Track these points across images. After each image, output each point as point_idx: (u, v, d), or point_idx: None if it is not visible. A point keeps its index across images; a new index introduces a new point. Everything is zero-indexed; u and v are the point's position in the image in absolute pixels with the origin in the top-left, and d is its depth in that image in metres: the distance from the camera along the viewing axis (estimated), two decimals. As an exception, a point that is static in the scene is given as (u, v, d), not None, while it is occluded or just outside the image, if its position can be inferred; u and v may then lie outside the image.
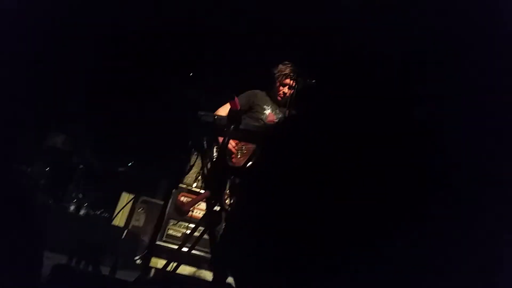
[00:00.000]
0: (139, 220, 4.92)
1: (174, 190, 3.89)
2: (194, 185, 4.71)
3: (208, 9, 4.02)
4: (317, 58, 3.65)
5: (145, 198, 4.98)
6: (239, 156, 3.34)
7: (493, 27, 2.92)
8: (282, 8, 3.89)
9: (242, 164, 2.90)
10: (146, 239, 4.72)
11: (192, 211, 4.12)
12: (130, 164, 5.20)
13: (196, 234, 2.91)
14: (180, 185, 4.16)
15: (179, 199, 4.05)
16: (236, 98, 2.71)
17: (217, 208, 2.58)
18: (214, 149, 2.72)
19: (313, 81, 3.12)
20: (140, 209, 4.93)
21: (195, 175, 4.62)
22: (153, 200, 5.06)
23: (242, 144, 3.30)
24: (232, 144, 3.26)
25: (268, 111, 3.65)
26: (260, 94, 3.72)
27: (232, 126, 2.68)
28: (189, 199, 4.08)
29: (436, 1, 3.33)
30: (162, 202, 4.98)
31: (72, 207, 4.83)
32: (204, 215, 3.02)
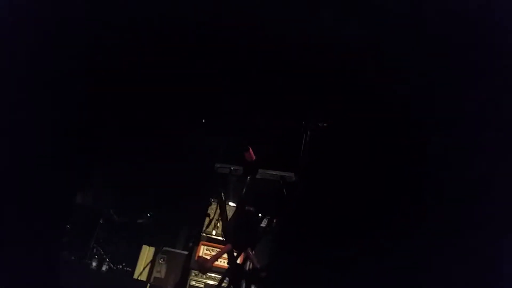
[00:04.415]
0: (161, 272, 4.89)
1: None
2: (214, 232, 4.72)
3: (226, 59, 4.06)
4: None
5: (165, 248, 4.98)
6: None
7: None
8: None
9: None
10: (168, 290, 4.68)
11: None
12: (149, 215, 5.24)
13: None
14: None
15: (200, 256, 4.04)
16: (250, 149, 2.74)
17: (239, 261, 2.58)
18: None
19: (325, 124, 3.15)
20: (161, 260, 4.92)
21: (213, 222, 4.64)
22: (173, 250, 5.04)
23: None
24: None
25: None
26: None
27: (249, 177, 2.71)
28: (211, 252, 4.08)
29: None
30: (182, 252, 4.96)
31: (94, 263, 4.84)
32: (228, 268, 3.01)
